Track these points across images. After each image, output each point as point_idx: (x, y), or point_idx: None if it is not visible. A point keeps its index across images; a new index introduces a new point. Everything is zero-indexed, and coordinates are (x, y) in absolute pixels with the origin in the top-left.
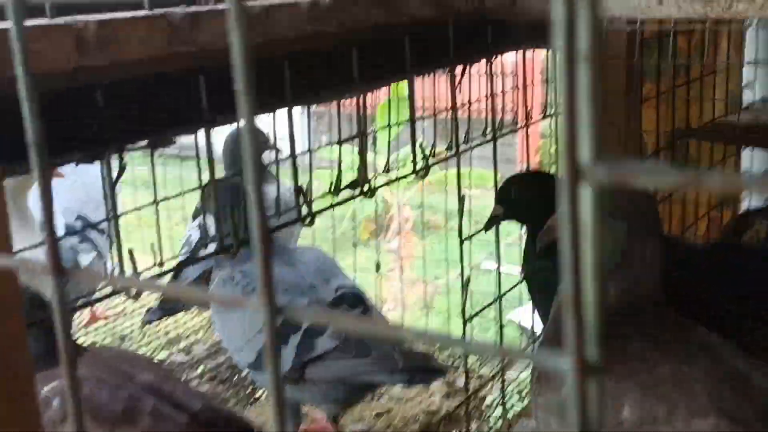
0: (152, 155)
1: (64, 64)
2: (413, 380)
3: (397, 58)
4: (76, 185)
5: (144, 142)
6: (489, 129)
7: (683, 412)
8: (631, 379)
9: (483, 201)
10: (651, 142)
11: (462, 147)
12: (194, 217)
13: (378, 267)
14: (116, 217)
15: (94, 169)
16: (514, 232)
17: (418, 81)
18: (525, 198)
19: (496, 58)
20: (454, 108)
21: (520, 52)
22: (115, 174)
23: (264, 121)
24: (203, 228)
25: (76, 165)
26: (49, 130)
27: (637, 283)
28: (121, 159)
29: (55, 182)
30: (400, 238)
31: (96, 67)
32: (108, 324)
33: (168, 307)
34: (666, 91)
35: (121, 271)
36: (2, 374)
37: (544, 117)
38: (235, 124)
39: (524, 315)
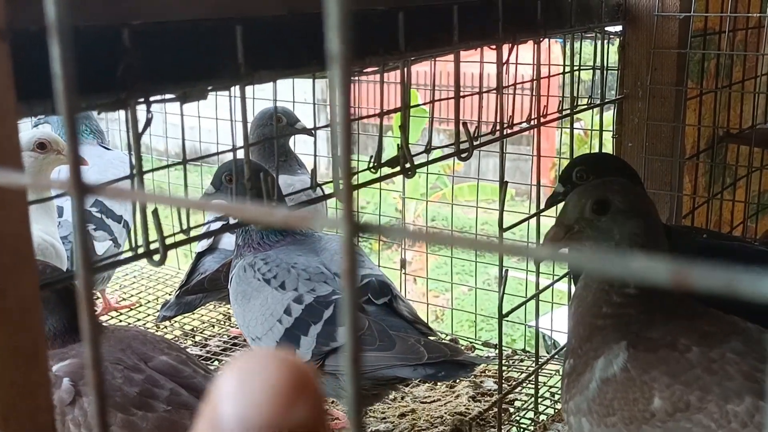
0: (182, 106)
1: None
2: (438, 374)
3: (444, 29)
4: (92, 170)
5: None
6: (534, 115)
7: (717, 396)
8: (659, 367)
9: (491, 215)
10: (690, 144)
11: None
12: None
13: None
14: (141, 173)
15: (111, 154)
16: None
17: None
18: (587, 180)
19: (543, 39)
20: (499, 88)
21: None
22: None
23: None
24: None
25: (98, 114)
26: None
27: None
28: (147, 109)
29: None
30: (413, 251)
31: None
32: (121, 315)
33: (185, 302)
34: (708, 91)
35: (145, 232)
36: (14, 336)
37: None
38: (271, 84)
39: (546, 324)
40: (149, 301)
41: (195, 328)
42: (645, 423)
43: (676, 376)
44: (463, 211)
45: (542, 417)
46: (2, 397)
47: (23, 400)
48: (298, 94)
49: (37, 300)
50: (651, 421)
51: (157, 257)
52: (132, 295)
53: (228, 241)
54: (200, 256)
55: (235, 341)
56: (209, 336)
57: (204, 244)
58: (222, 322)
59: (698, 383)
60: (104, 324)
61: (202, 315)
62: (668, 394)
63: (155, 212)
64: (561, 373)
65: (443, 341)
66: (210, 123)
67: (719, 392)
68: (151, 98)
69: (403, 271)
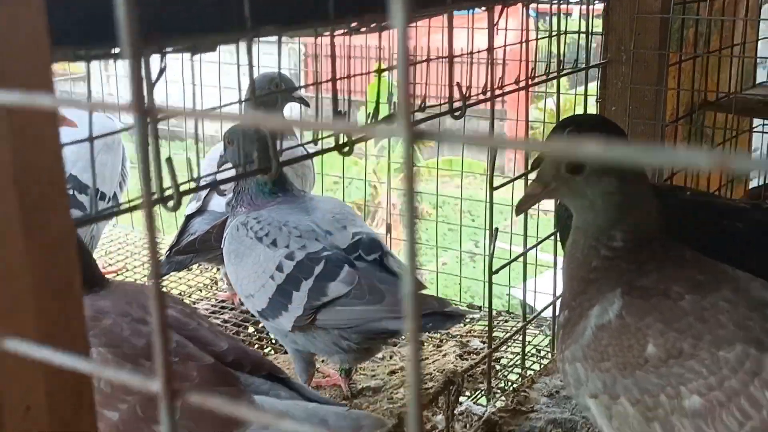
0: (192, 57)
1: None
2: (427, 326)
3: None
4: (82, 132)
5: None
6: (522, 77)
7: (708, 344)
8: (653, 314)
9: (472, 189)
10: (669, 111)
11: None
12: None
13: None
14: (156, 122)
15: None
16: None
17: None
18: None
19: (533, 1)
20: (490, 49)
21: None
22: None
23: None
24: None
25: (114, 59)
26: (83, 17)
27: (639, 226)
28: (161, 59)
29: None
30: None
31: None
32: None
33: (177, 261)
34: (688, 57)
35: (159, 181)
36: (51, 268)
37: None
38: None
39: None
40: (135, 267)
41: (183, 293)
42: (638, 368)
43: (669, 324)
44: (442, 184)
45: (529, 372)
46: (39, 327)
47: (59, 330)
48: (284, 62)
49: (71, 233)
50: (644, 367)
51: (171, 203)
52: (118, 261)
53: (217, 202)
54: (190, 218)
55: (223, 305)
56: (197, 300)
57: (193, 206)
58: (209, 287)
59: (691, 331)
60: (109, 278)
61: (190, 279)
62: (662, 341)
63: (169, 159)
64: (552, 327)
65: (432, 295)
66: (213, 80)
67: (711, 340)
68: (165, 50)
69: (389, 235)
